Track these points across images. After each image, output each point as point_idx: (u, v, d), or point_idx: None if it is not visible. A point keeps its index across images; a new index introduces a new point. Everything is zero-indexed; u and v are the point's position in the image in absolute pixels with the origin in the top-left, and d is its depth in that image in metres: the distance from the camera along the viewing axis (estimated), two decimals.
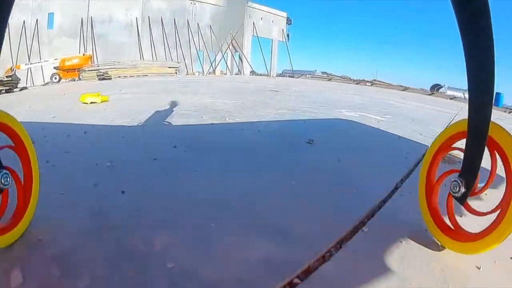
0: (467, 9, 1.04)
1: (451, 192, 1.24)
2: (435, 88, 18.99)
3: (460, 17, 1.07)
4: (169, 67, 16.33)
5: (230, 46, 20.58)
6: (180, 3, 20.20)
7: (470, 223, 1.25)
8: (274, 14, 22.70)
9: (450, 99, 15.04)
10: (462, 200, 1.20)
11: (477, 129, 1.13)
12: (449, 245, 1.24)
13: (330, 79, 19.36)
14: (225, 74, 19.80)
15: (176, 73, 16.12)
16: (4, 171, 1.08)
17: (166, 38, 19.86)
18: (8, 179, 1.09)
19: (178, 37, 20.18)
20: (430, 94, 17.05)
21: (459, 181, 1.21)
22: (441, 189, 1.34)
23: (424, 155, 1.49)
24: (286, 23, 22.97)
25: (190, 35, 20.62)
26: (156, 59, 18.85)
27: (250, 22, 21.33)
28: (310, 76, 20.46)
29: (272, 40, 22.26)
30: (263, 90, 8.34)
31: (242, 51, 21.14)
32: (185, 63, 19.60)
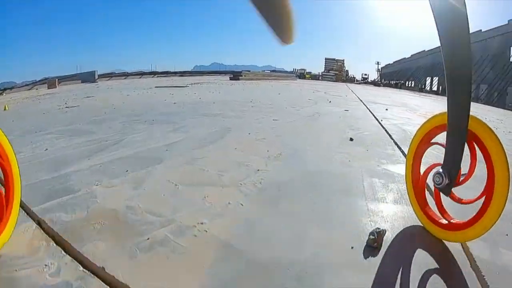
0: None
1: (435, 184, 1.29)
2: None
3: None
4: None
5: None
6: None
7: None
8: None
9: None
10: (446, 191, 1.27)
11: (457, 123, 1.19)
12: (442, 235, 1.29)
13: None
14: None
15: None
16: None
17: None
18: None
19: None
20: None
21: (442, 173, 1.26)
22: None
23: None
24: None
25: None
26: None
27: None
28: None
29: None
30: None
31: None
32: None
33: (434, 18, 1.13)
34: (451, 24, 1.12)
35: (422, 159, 1.43)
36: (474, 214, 1.16)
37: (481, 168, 1.20)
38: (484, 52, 26.91)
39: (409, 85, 42.42)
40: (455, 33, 1.12)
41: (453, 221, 1.26)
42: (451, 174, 1.24)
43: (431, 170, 1.34)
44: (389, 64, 63.16)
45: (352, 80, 50.04)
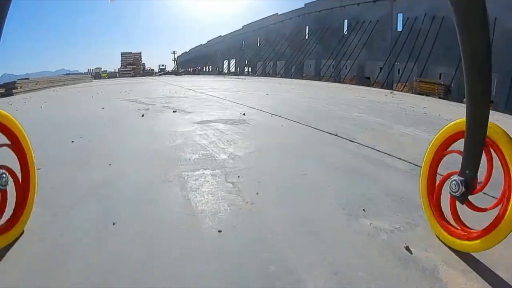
0: None
1: (451, 192, 1.22)
2: None
3: None
4: None
5: None
6: None
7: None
8: None
9: None
10: (462, 199, 1.21)
11: (475, 131, 1.13)
12: (457, 245, 1.22)
13: None
14: None
15: None
16: (2, 170, 1.08)
17: None
18: (5, 179, 1.09)
19: None
20: None
21: (458, 181, 1.20)
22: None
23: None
24: None
25: None
26: None
27: None
28: None
29: None
30: None
31: None
32: None
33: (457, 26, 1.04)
34: (474, 33, 1.04)
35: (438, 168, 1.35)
36: (489, 222, 1.09)
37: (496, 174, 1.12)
38: (279, 32, 31.18)
39: (207, 70, 45.51)
40: (476, 45, 1.05)
41: (468, 231, 1.21)
42: (468, 182, 1.19)
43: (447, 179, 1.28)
44: (186, 52, 65.28)
45: (151, 73, 48.49)
